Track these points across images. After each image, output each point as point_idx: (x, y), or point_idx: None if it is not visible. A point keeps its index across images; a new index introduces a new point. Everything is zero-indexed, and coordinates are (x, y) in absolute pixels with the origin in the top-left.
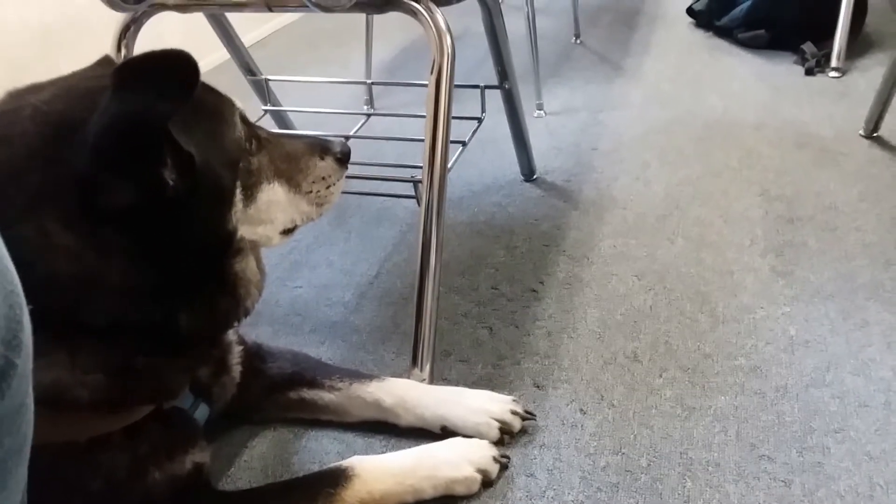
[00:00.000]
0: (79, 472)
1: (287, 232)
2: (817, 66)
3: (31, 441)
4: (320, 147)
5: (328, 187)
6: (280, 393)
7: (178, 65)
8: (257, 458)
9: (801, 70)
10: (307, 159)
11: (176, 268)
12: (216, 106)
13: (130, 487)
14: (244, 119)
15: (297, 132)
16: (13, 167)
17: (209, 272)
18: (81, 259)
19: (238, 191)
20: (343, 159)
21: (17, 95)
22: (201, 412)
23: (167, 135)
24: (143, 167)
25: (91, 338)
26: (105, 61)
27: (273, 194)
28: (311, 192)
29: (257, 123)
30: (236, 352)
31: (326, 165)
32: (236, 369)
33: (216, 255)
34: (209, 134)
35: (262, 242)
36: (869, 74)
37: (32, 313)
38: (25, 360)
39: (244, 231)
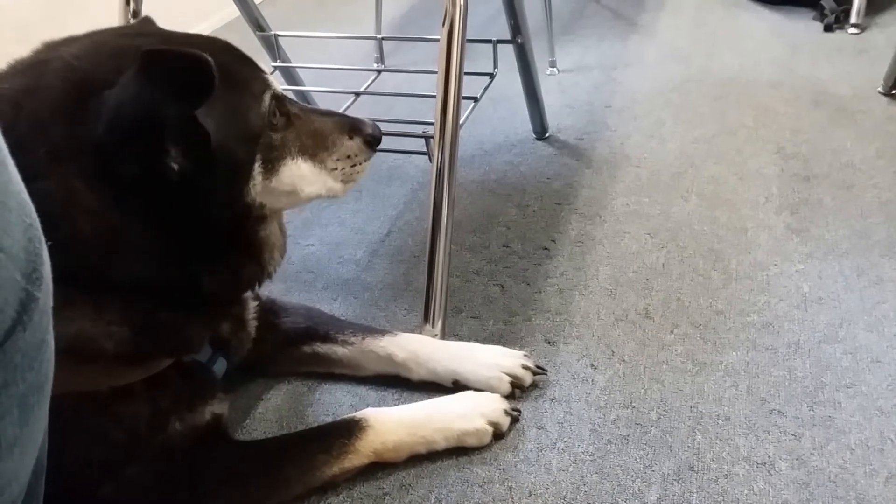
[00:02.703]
0: (101, 421)
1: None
2: (836, 22)
3: (51, 380)
4: (350, 127)
5: (353, 166)
6: (294, 347)
7: (199, 71)
8: (272, 410)
9: (819, 26)
10: (335, 137)
11: (195, 233)
12: (247, 80)
13: (151, 437)
14: (276, 96)
15: (334, 111)
16: (38, 120)
17: (231, 238)
18: (102, 218)
19: (257, 164)
20: (372, 142)
21: (52, 47)
22: (219, 365)
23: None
24: (146, 153)
25: (116, 291)
26: (146, 21)
27: (297, 169)
28: (335, 169)
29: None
30: (252, 307)
31: (354, 145)
32: (252, 324)
33: (236, 223)
34: (232, 107)
35: (285, 208)
36: (889, 31)
37: (59, 265)
38: (46, 294)
39: (267, 200)
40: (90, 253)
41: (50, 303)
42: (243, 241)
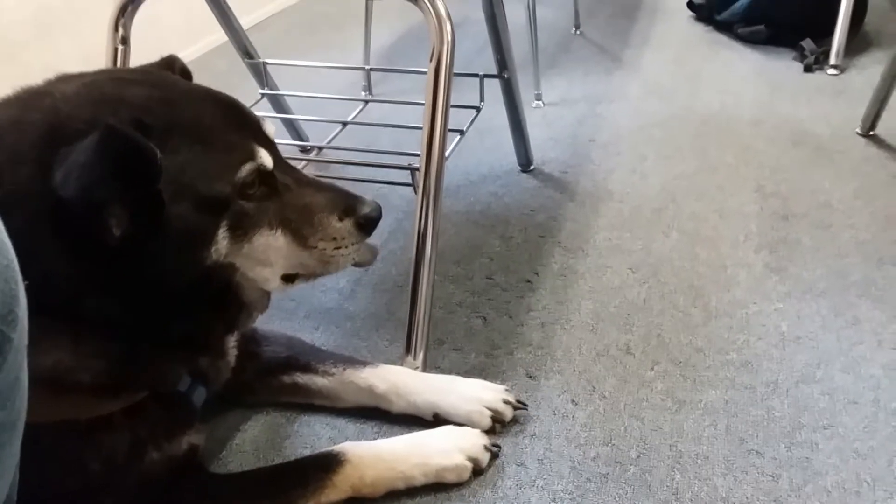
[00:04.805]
0: (79, 450)
1: (288, 279)
2: (816, 63)
3: (24, 417)
4: (344, 207)
5: (337, 248)
6: (274, 377)
7: (145, 165)
8: (249, 441)
9: (799, 67)
10: (323, 216)
11: (160, 287)
12: (228, 146)
13: (128, 466)
14: (260, 167)
15: (337, 187)
16: (15, 153)
17: (202, 295)
18: (65, 261)
19: (222, 231)
20: (365, 225)
21: (63, 79)
22: (198, 395)
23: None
24: (88, 216)
25: (93, 325)
26: (167, 62)
27: (273, 241)
28: (316, 248)
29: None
30: (232, 335)
31: (342, 227)
32: (232, 353)
33: (205, 282)
34: (198, 173)
35: (259, 283)
36: (867, 72)
37: (36, 297)
38: (21, 334)
39: (240, 264)
40: (61, 290)
41: (25, 342)
42: (215, 299)
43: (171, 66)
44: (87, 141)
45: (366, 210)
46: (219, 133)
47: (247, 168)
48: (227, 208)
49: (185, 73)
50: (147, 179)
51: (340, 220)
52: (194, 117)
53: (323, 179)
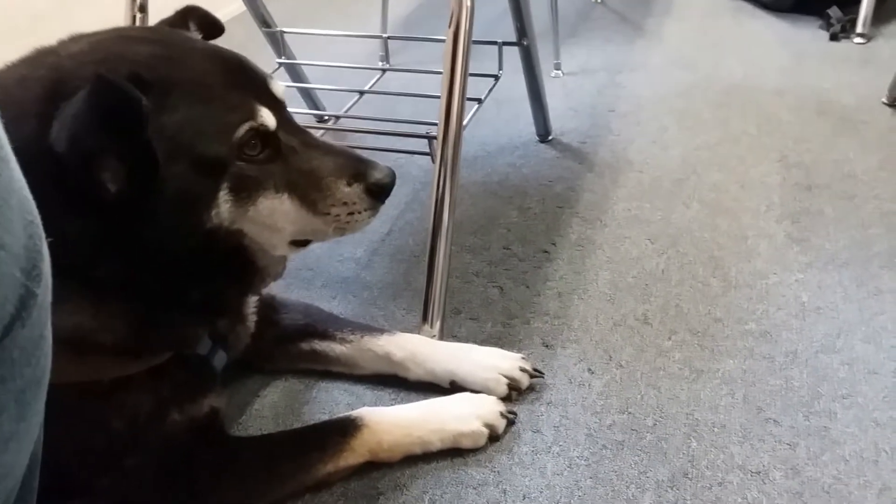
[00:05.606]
0: (102, 410)
1: (298, 244)
2: (842, 31)
3: (49, 374)
4: (354, 172)
5: (350, 214)
6: (292, 343)
7: (130, 110)
8: (269, 406)
9: (825, 35)
10: (332, 181)
11: (162, 249)
12: (228, 106)
13: (151, 426)
14: (259, 128)
15: (348, 151)
16: (20, 110)
17: (209, 259)
18: (72, 220)
19: (223, 192)
20: (375, 191)
21: (75, 39)
22: (219, 359)
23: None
24: (82, 170)
25: (110, 287)
26: (183, 14)
27: (279, 204)
28: (328, 214)
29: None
30: (251, 302)
31: (351, 193)
32: (251, 319)
33: (207, 247)
34: (195, 133)
35: (268, 248)
36: (894, 41)
37: (58, 259)
38: (45, 290)
39: (247, 228)
40: (73, 252)
41: (49, 299)
42: (226, 263)
43: (186, 19)
44: (79, 94)
45: (377, 176)
46: (220, 92)
47: (245, 128)
48: (226, 170)
49: (209, 22)
50: (134, 127)
51: (349, 185)
52: (196, 75)
53: (334, 143)
